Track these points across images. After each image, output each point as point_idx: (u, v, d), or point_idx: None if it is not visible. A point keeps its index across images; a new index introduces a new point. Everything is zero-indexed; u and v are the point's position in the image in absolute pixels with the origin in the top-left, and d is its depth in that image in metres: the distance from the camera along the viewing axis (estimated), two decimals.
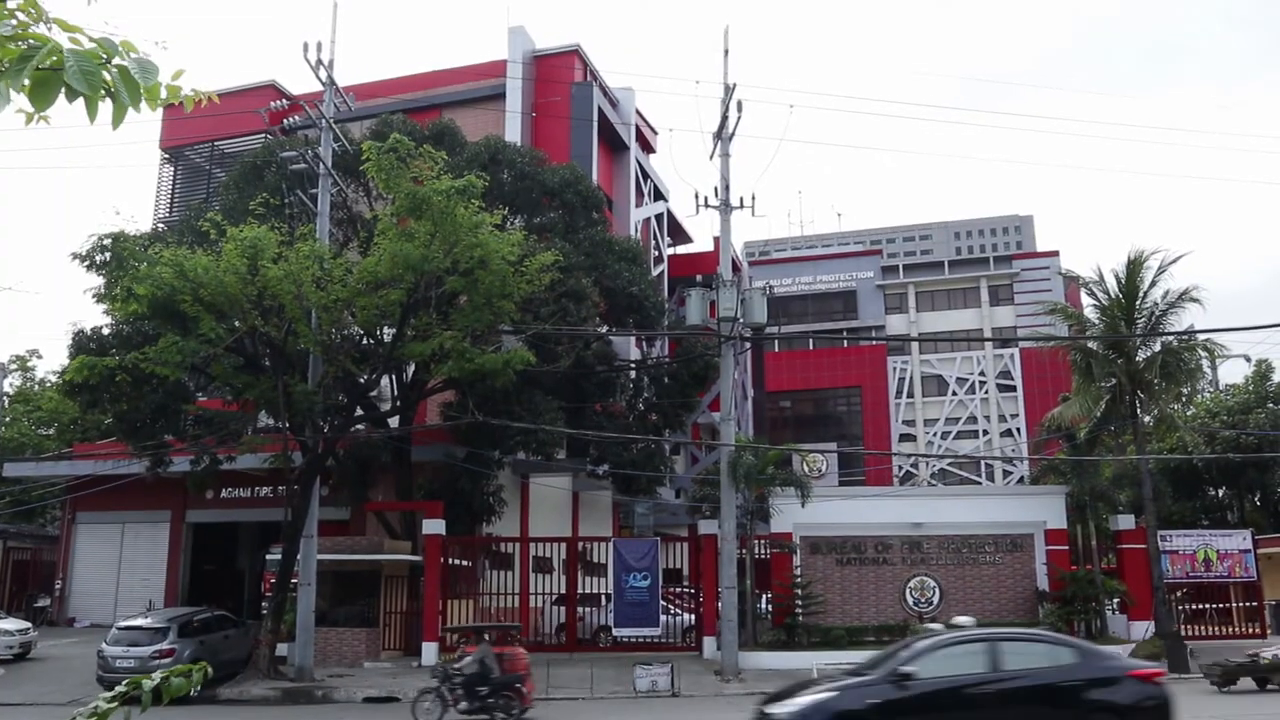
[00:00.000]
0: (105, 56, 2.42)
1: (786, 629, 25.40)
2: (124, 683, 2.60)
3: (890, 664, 11.59)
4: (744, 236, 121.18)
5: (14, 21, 2.52)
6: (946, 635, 13.73)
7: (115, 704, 2.53)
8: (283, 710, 20.20)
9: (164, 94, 2.61)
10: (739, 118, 24.44)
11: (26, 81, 2.35)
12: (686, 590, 29.23)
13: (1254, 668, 20.37)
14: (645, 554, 26.26)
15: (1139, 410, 28.04)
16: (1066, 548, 27.36)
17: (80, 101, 2.45)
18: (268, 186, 27.93)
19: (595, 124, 38.80)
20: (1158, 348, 27.93)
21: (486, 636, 18.37)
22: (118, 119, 2.45)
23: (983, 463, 65.68)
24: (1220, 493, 44.93)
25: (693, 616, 27.52)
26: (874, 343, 69.22)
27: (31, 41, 2.41)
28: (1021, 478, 59.64)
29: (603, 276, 29.25)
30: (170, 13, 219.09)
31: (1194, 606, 29.31)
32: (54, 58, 2.38)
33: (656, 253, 45.41)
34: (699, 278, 40.66)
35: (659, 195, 47.26)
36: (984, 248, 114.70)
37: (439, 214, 20.92)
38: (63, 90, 2.44)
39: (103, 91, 2.42)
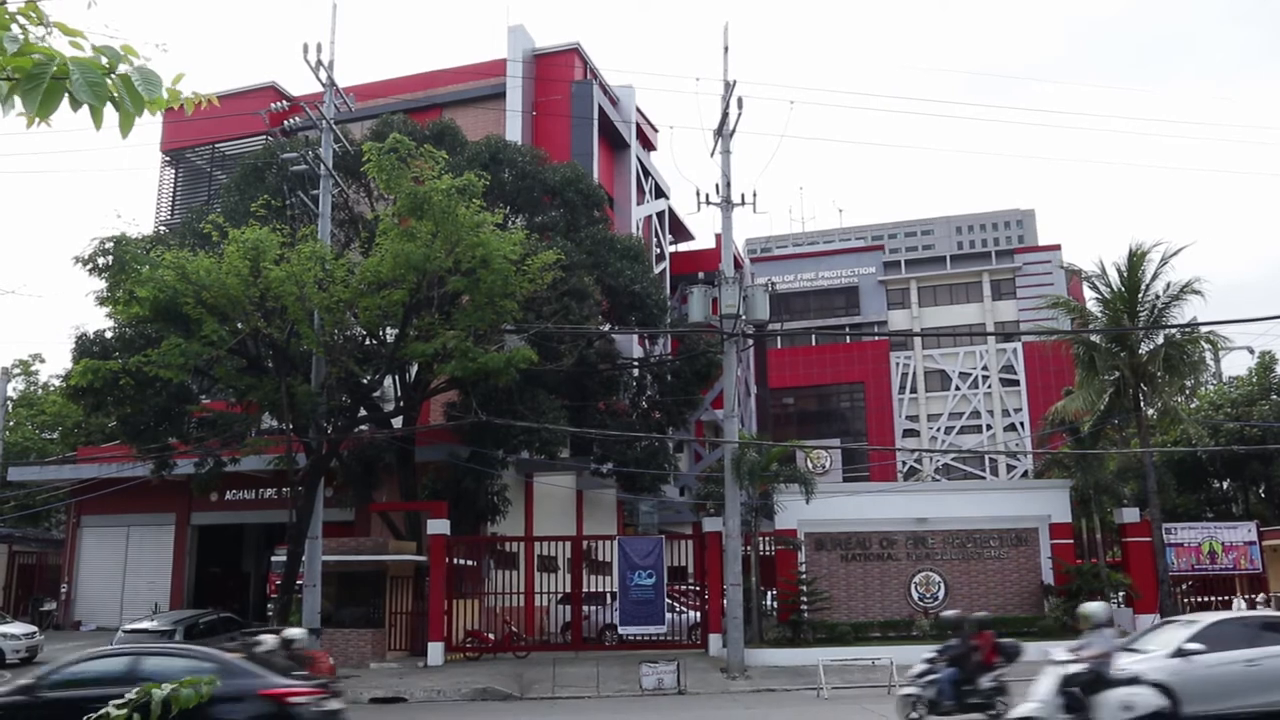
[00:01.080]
0: (109, 65, 2.41)
1: (792, 625, 25.40)
2: (134, 690, 2.60)
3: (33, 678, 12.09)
4: (745, 233, 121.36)
5: (16, 28, 2.51)
6: (91, 650, 14.15)
7: (124, 711, 2.53)
8: None
9: (164, 96, 2.60)
10: (739, 114, 24.41)
11: (39, 96, 2.34)
12: (692, 588, 29.23)
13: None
14: (650, 552, 26.25)
15: (1142, 403, 28.02)
16: (1071, 541, 27.35)
17: (68, 104, 2.44)
18: (269, 188, 27.95)
19: (596, 122, 38.79)
20: (1160, 340, 27.89)
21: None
22: (125, 128, 2.44)
23: (986, 457, 65.60)
24: (1224, 485, 44.88)
25: (698, 614, 27.51)
26: (876, 338, 69.18)
27: (38, 55, 2.40)
28: (1025, 472, 59.55)
29: (605, 275, 29.24)
30: (169, 14, 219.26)
31: (1200, 599, 29.27)
32: (56, 68, 2.37)
33: (658, 250, 45.42)
34: (701, 275, 40.67)
35: (660, 193, 47.25)
36: (985, 242, 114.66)
37: (440, 213, 20.93)
38: (65, 97, 2.44)
39: (107, 100, 2.41)
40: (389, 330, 24.13)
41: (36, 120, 2.54)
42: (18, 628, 27.36)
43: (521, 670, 23.31)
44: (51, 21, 2.56)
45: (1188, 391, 33.12)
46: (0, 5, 2.58)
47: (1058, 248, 71.86)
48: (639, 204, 43.66)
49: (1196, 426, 31.73)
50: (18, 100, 2.46)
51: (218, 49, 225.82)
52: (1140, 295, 27.73)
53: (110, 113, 2.48)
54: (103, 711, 2.64)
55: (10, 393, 43.73)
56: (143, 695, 2.58)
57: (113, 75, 2.41)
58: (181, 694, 2.56)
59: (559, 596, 28.08)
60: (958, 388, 68.58)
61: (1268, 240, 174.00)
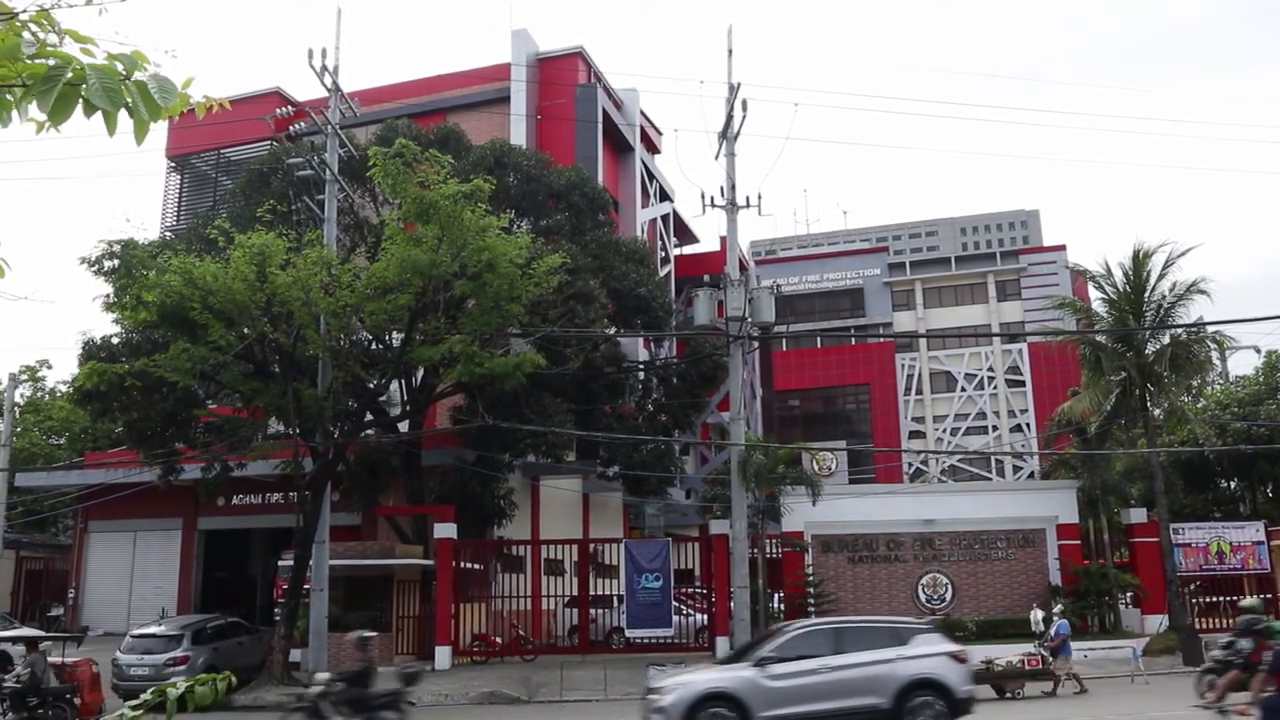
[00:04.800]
0: (124, 72, 2.43)
1: None
2: (149, 691, 2.61)
3: None
4: (750, 236, 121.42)
5: (29, 35, 2.52)
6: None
7: (140, 712, 2.54)
8: None
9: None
10: (744, 117, 24.40)
11: (52, 98, 2.35)
12: (699, 590, 29.20)
13: (987, 675, 19.21)
14: (657, 555, 26.24)
15: (1149, 403, 27.97)
16: (1079, 542, 27.30)
17: (81, 110, 2.45)
18: (274, 193, 27.98)
19: (600, 125, 38.79)
20: (1166, 340, 27.85)
21: (40, 646, 18.25)
22: (140, 135, 2.45)
23: (993, 459, 65.52)
24: (1232, 485, 44.74)
25: (705, 616, 27.49)
26: (881, 340, 69.14)
27: (53, 60, 2.41)
28: (1032, 473, 59.47)
29: (610, 278, 29.22)
30: (175, 21, 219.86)
31: (1208, 599, 29.16)
32: (71, 73, 2.38)
33: (663, 253, 45.39)
34: (706, 278, 40.69)
35: (665, 196, 47.23)
36: (990, 243, 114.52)
37: (446, 218, 20.93)
38: (79, 104, 2.45)
39: (122, 106, 2.42)
40: (395, 335, 24.15)
41: (46, 127, 2.55)
42: (26, 633, 27.38)
43: (529, 673, 23.30)
44: (63, 29, 2.58)
45: (1194, 391, 33.07)
46: (13, 16, 2.60)
47: (1063, 248, 71.80)
48: (644, 207, 43.65)
49: (1203, 426, 31.70)
50: (30, 108, 2.47)
51: (223, 54, 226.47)
52: (1146, 295, 27.69)
53: (123, 121, 2.49)
54: (118, 713, 2.66)
55: (18, 399, 43.81)
56: (157, 696, 2.59)
57: (128, 81, 2.42)
58: (197, 692, 2.57)
59: (566, 599, 28.06)
60: (963, 389, 68.49)
61: (1272, 239, 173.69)
